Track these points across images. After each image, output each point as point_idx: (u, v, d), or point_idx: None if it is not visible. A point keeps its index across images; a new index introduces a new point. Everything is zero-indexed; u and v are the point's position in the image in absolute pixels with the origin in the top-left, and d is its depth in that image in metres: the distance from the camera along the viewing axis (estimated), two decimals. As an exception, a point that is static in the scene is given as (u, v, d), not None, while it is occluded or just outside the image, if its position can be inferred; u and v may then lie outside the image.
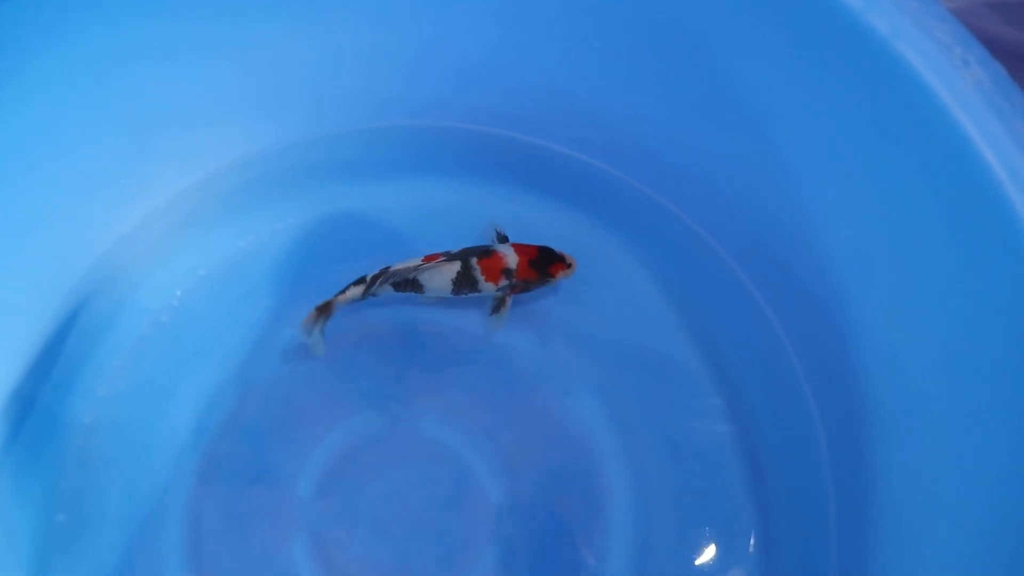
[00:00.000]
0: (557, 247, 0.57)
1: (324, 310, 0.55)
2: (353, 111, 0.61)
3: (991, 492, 0.39)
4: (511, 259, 0.54)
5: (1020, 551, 0.35)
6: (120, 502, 0.55)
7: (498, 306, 0.57)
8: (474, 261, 0.54)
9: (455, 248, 0.56)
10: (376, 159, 0.63)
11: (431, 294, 0.55)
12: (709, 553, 0.54)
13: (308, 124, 0.61)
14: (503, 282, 0.55)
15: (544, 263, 0.55)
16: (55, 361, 0.56)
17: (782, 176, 0.47)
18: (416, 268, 0.53)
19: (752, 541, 0.54)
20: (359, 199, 0.63)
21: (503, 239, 0.56)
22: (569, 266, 0.55)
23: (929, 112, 0.38)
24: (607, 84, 0.56)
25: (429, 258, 0.54)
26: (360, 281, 0.55)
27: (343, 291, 0.55)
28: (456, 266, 0.54)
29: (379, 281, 0.54)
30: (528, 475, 0.56)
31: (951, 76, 0.37)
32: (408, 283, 0.54)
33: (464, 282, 0.54)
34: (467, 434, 0.57)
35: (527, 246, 0.55)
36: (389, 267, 0.54)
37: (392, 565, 0.54)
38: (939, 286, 0.40)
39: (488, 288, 0.55)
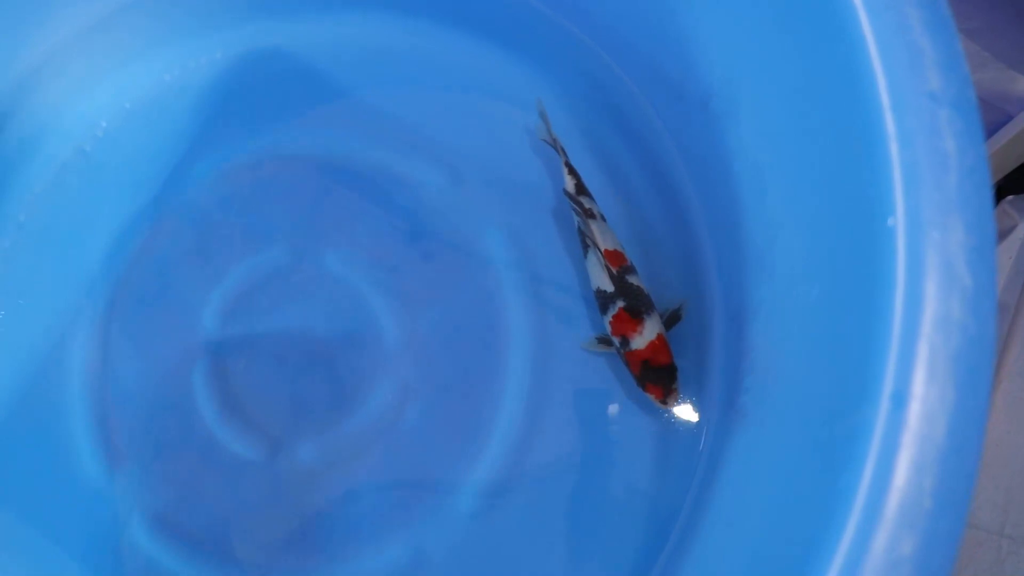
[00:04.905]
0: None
1: (556, 142, 0.55)
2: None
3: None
4: (639, 341, 0.50)
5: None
6: (31, 325, 0.58)
7: (600, 341, 0.53)
8: (619, 304, 0.51)
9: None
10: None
11: (587, 262, 0.53)
12: (605, 399, 0.53)
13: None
14: (615, 340, 0.51)
15: (651, 377, 0.50)
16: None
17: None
18: (596, 244, 0.51)
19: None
20: (285, 35, 0.63)
21: (673, 320, 0.52)
22: (664, 403, 0.50)
23: None
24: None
25: (613, 254, 0.52)
26: (577, 180, 0.54)
27: (570, 167, 0.54)
28: (610, 287, 0.51)
29: (578, 209, 0.52)
30: (428, 316, 0.56)
31: None
32: (583, 240, 0.53)
33: (600, 300, 0.52)
34: (370, 272, 0.57)
35: (666, 351, 0.50)
36: (596, 215, 0.53)
37: (285, 397, 0.56)
38: (787, 93, 0.37)
39: (605, 326, 0.52)
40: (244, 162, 0.61)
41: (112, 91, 0.63)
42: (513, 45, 0.60)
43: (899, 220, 0.30)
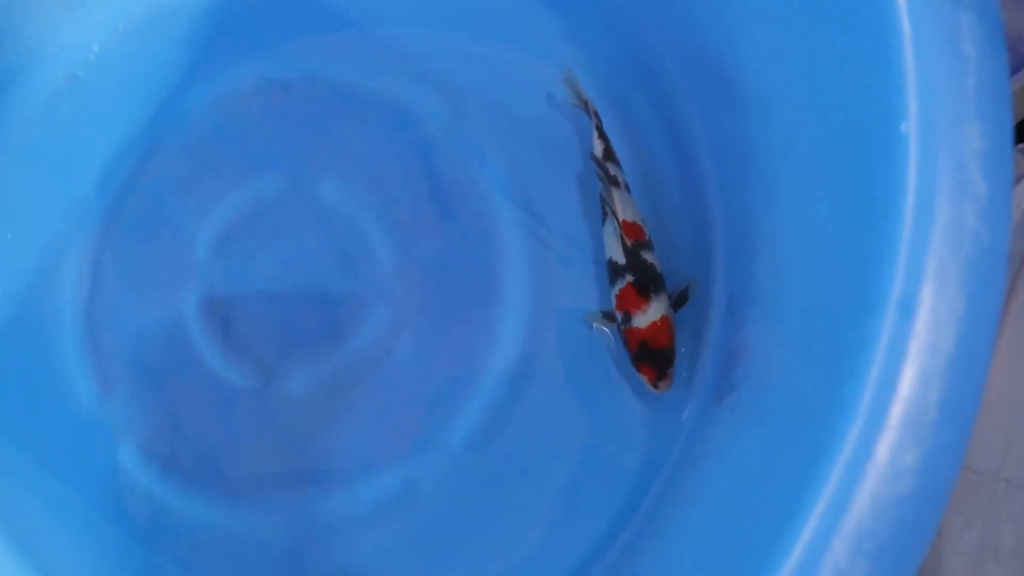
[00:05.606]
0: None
1: (588, 106, 0.54)
2: None
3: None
4: (641, 320, 0.48)
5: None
6: (22, 251, 0.57)
7: (603, 316, 0.52)
8: (628, 279, 0.49)
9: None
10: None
11: (604, 230, 0.52)
12: (604, 340, 0.52)
13: None
14: (617, 315, 0.50)
15: (647, 358, 0.48)
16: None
17: None
18: (614, 213, 0.50)
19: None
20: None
21: (678, 302, 0.50)
22: (655, 387, 0.48)
23: None
24: None
25: (631, 226, 0.50)
26: (606, 145, 0.52)
27: (601, 131, 0.53)
28: (622, 260, 0.49)
29: (605, 176, 0.51)
30: (424, 247, 0.55)
31: None
32: (603, 207, 0.51)
33: (610, 271, 0.51)
34: (366, 201, 0.57)
35: (667, 335, 0.48)
36: (621, 184, 0.51)
37: (278, 326, 0.56)
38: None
39: (611, 298, 0.51)
40: (241, 88, 0.60)
41: (105, 12, 0.61)
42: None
43: (912, 126, 0.29)
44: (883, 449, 0.28)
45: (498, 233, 0.56)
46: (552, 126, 0.57)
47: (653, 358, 0.48)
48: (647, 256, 0.50)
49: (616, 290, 0.50)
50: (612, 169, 0.52)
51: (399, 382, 0.54)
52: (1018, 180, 0.66)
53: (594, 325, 0.53)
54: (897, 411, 0.28)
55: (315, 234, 0.57)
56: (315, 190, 0.58)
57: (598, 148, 0.53)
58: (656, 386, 0.48)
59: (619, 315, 0.50)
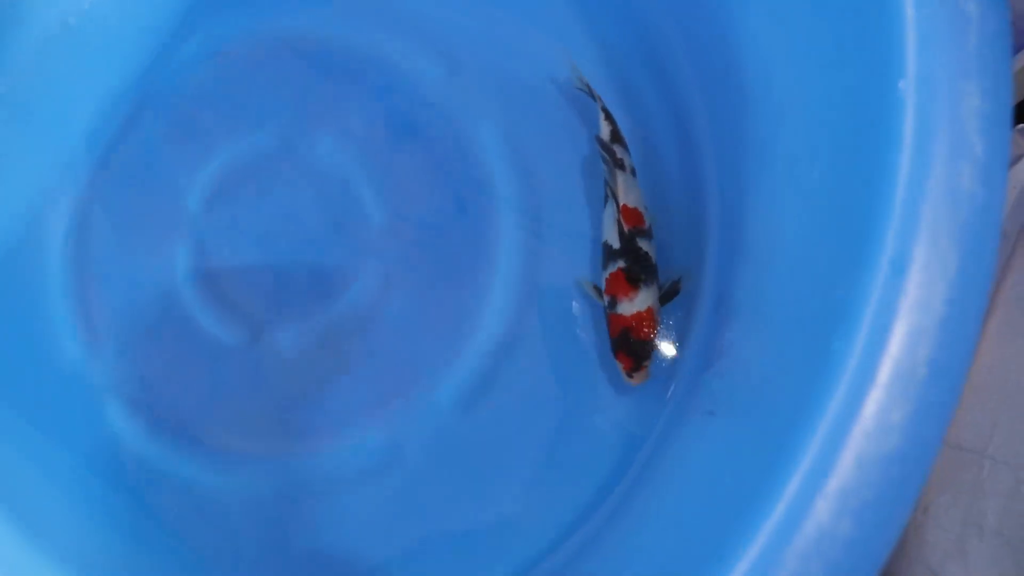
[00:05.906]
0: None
1: (589, 90, 0.53)
2: None
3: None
4: (627, 307, 0.48)
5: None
6: (11, 201, 0.57)
7: (595, 289, 0.51)
8: (620, 264, 0.48)
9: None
10: None
11: (605, 212, 0.51)
12: (593, 307, 0.52)
13: None
14: (605, 297, 0.49)
15: (626, 347, 0.48)
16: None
17: None
18: (615, 196, 0.49)
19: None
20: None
21: (669, 294, 0.50)
22: (630, 376, 0.48)
23: None
24: None
25: (632, 211, 0.49)
26: (613, 127, 0.52)
27: (607, 112, 0.52)
28: (617, 244, 0.49)
29: (611, 159, 0.50)
30: (416, 208, 0.55)
31: None
32: (606, 190, 0.51)
33: (604, 254, 0.50)
34: (360, 161, 0.56)
35: (650, 327, 0.48)
36: (627, 167, 0.50)
37: (267, 282, 0.56)
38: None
39: (602, 280, 0.50)
40: (236, 43, 0.59)
41: (99, -37, 0.60)
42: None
43: (910, 83, 0.29)
44: (870, 406, 0.27)
45: (492, 198, 0.56)
46: (552, 98, 0.57)
47: (632, 348, 0.48)
48: (643, 244, 0.49)
49: (607, 273, 0.50)
50: (619, 152, 0.51)
51: (387, 342, 0.54)
52: (1015, 161, 0.66)
53: (588, 292, 0.53)
54: (886, 368, 0.28)
55: (307, 191, 0.57)
56: (308, 147, 0.57)
57: (605, 131, 0.52)
58: (631, 376, 0.48)
59: (606, 298, 0.50)
